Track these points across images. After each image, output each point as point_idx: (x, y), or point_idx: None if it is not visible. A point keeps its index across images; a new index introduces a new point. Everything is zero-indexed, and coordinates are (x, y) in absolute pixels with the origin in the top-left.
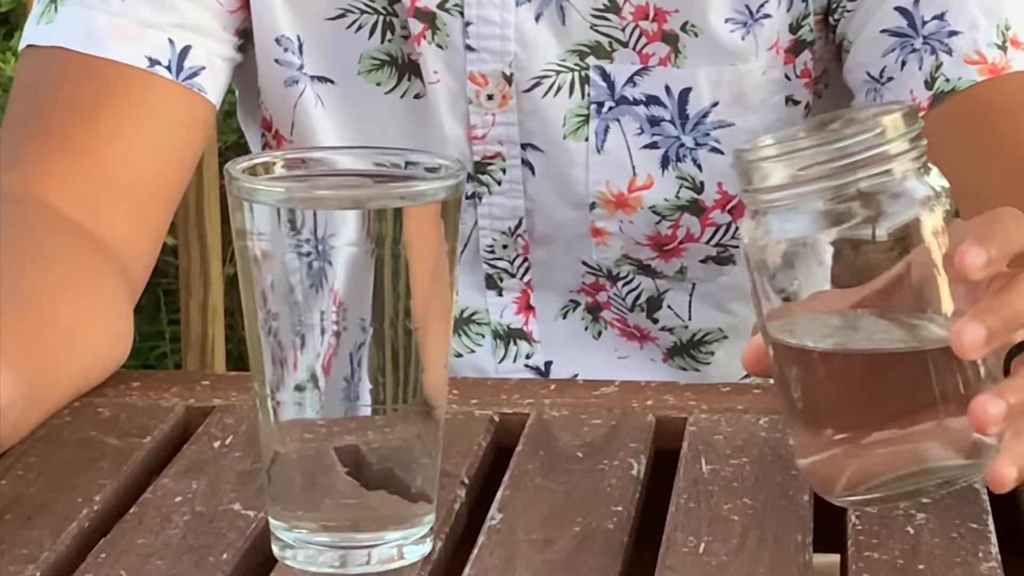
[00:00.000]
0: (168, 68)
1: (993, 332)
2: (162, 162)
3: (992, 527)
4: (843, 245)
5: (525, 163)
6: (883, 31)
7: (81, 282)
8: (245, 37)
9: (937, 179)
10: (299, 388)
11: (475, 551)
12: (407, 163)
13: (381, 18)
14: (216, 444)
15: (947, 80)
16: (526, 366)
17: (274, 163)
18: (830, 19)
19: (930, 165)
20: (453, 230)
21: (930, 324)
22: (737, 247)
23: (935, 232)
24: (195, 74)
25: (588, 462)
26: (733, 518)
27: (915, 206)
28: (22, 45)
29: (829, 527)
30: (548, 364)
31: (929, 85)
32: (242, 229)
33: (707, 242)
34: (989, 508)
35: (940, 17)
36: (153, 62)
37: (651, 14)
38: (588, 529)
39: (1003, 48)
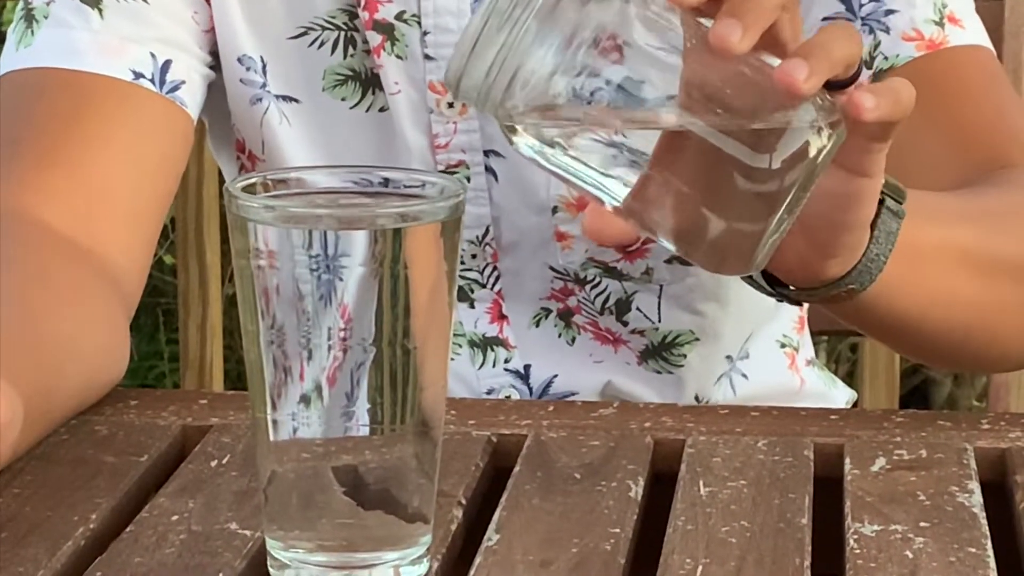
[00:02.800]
0: (152, 81)
1: (815, 71)
2: (151, 173)
3: (991, 551)
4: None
5: (488, 170)
6: (824, 19)
7: (77, 300)
8: (216, 59)
9: None
10: (297, 406)
11: (472, 572)
12: (385, 180)
13: (342, 34)
14: (213, 463)
15: (885, 58)
16: (506, 370)
17: (272, 183)
18: None
19: None
20: (452, 250)
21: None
22: None
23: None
24: (176, 88)
25: (586, 483)
26: (731, 540)
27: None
28: (0, 73)
29: (827, 550)
30: (527, 367)
31: (868, 65)
32: (241, 248)
33: None
34: (988, 532)
35: None
36: (137, 75)
37: None
38: (585, 551)
39: (940, 24)
